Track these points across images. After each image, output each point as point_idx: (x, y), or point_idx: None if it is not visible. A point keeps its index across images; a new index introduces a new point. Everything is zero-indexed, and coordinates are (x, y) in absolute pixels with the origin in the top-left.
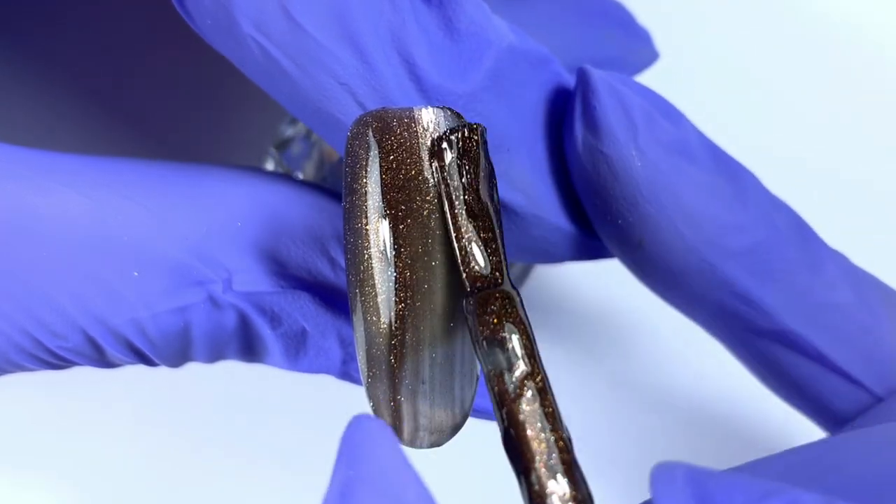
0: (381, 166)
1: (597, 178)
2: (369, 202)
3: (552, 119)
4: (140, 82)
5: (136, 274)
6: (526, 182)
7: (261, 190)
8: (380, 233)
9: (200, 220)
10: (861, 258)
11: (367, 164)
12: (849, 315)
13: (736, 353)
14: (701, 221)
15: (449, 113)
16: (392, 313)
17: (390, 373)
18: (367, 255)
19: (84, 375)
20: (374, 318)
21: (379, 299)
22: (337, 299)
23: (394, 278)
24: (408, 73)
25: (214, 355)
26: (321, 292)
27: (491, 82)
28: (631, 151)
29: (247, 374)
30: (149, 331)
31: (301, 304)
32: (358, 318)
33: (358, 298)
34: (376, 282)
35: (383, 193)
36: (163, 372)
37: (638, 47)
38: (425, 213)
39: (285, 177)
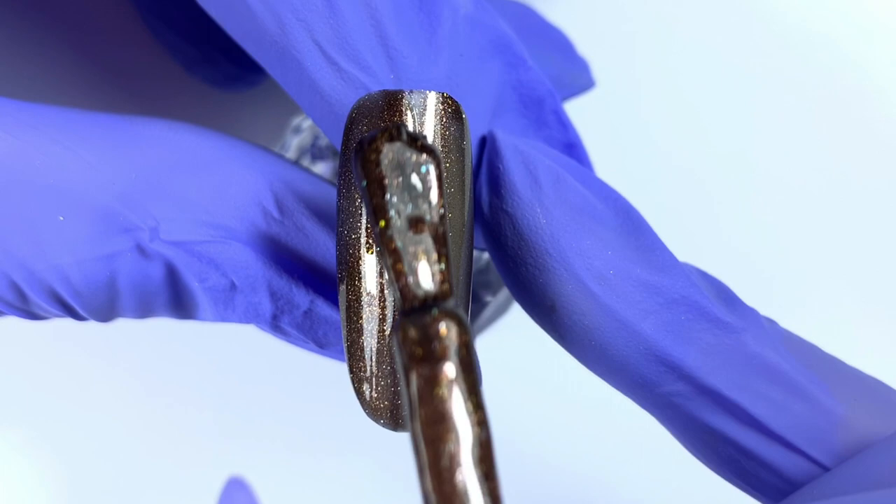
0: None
1: (504, 241)
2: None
3: (509, 105)
4: (143, 83)
5: (61, 219)
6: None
7: (193, 138)
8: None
9: (129, 167)
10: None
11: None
12: (780, 377)
13: (670, 427)
14: (613, 280)
15: (450, 101)
16: (381, 306)
17: (377, 363)
18: (356, 250)
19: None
20: (361, 312)
21: (367, 291)
22: (269, 249)
23: (382, 270)
24: (370, 18)
25: (143, 309)
26: (252, 243)
27: (447, 44)
28: (536, 210)
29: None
30: (74, 279)
31: (230, 256)
32: (343, 310)
33: (346, 289)
34: (365, 274)
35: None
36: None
37: (575, 73)
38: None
39: (217, 132)
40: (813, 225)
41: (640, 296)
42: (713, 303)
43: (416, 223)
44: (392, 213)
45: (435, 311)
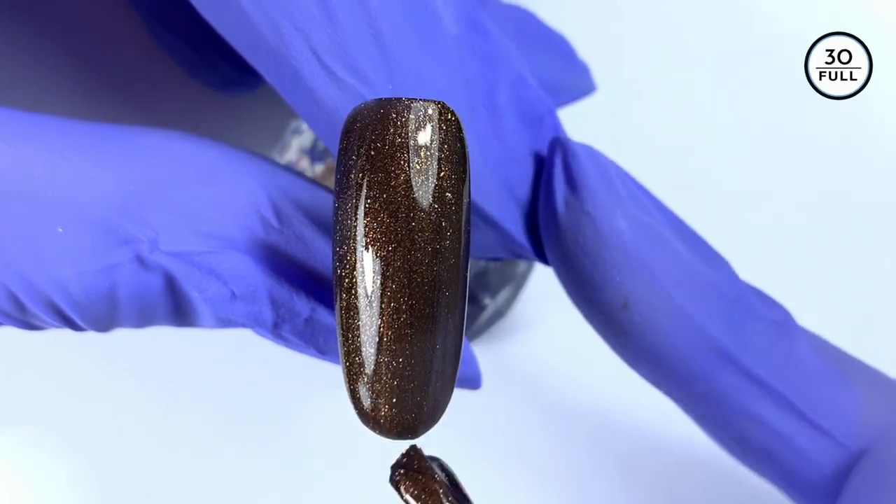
0: (371, 163)
1: (581, 240)
2: (359, 199)
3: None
4: (144, 86)
5: (60, 230)
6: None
7: (191, 148)
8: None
9: (128, 177)
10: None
11: (359, 161)
12: (812, 368)
13: (710, 422)
14: (685, 282)
15: (447, 110)
16: (376, 307)
17: (371, 364)
18: (353, 251)
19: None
20: (356, 313)
21: (363, 298)
22: (269, 258)
23: (380, 272)
24: (369, 27)
25: (143, 319)
26: (252, 252)
27: (447, 56)
28: (615, 211)
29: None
30: (73, 291)
31: (230, 265)
32: (339, 317)
33: (341, 295)
34: (362, 275)
35: (372, 191)
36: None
37: (576, 77)
38: (413, 209)
39: (214, 141)
40: (816, 227)
41: (708, 296)
42: (761, 301)
43: None
44: None
45: None
